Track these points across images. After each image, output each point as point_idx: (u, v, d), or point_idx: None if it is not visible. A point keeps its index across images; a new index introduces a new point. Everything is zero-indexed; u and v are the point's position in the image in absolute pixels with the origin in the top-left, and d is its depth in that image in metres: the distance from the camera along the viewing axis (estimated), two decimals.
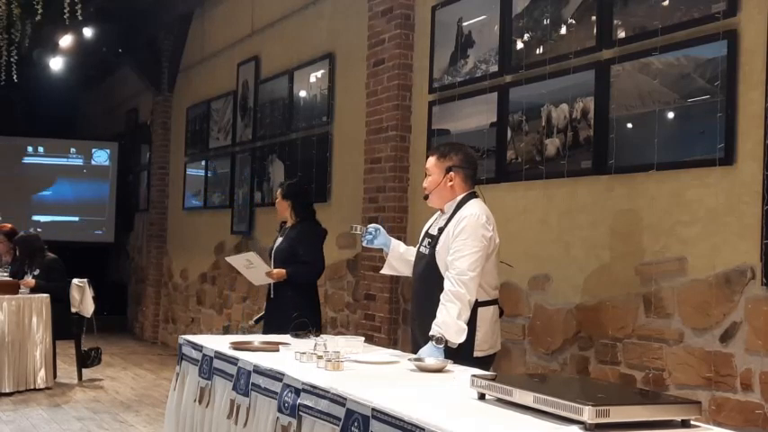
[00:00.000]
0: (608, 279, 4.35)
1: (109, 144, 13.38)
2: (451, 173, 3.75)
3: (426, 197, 3.83)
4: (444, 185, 3.75)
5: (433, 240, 3.75)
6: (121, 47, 11.25)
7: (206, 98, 9.84)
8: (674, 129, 4.03)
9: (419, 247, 3.91)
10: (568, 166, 4.58)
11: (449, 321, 3.52)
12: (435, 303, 3.61)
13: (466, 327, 3.54)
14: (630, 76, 4.25)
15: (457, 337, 3.52)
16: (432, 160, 3.82)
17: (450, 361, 3.33)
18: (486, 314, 3.70)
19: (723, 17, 3.80)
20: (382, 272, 4.21)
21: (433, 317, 3.59)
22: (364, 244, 4.08)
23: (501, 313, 3.88)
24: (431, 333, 3.54)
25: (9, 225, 8.96)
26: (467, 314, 3.56)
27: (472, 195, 3.79)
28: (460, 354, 3.53)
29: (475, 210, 3.68)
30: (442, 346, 3.49)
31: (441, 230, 3.74)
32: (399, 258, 4.04)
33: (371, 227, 4.02)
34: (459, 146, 3.99)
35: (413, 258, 3.98)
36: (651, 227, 4.13)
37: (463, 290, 3.53)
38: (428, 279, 3.74)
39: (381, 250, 6.05)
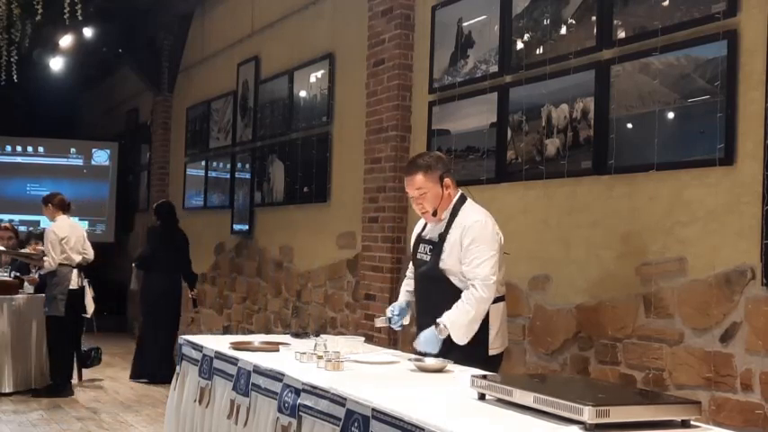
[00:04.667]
0: (608, 279, 4.35)
1: (109, 144, 13.37)
2: (446, 179, 3.74)
3: (435, 214, 3.74)
4: (445, 195, 3.74)
5: (436, 247, 3.73)
6: (121, 47, 11.25)
7: (206, 98, 9.84)
8: (674, 129, 4.03)
9: (416, 253, 3.87)
10: (568, 166, 4.58)
11: (461, 322, 3.56)
12: (438, 307, 3.63)
13: (474, 332, 3.58)
14: (630, 76, 4.25)
15: (462, 339, 3.57)
16: (419, 178, 3.73)
17: (449, 361, 3.33)
18: (498, 311, 3.72)
19: (723, 17, 3.80)
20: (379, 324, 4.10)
21: (436, 319, 3.61)
22: (396, 327, 3.96)
23: None
24: (439, 321, 3.57)
25: (9, 224, 8.96)
26: (481, 319, 3.60)
27: (463, 198, 3.80)
28: (476, 354, 3.55)
29: (478, 216, 3.70)
30: (442, 338, 3.54)
31: (441, 237, 3.72)
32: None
33: (395, 312, 3.88)
34: (433, 153, 3.95)
35: None
36: (651, 227, 4.13)
37: (487, 294, 3.57)
38: (430, 285, 3.73)
39: (379, 249, 6.08)
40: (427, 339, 3.59)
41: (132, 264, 8.76)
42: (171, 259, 8.35)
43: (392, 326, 3.91)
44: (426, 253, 3.79)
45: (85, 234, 7.70)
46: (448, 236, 3.68)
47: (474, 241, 3.60)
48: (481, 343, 3.64)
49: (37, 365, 7.49)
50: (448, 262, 3.67)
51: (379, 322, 3.92)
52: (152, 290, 8.33)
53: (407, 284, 4.04)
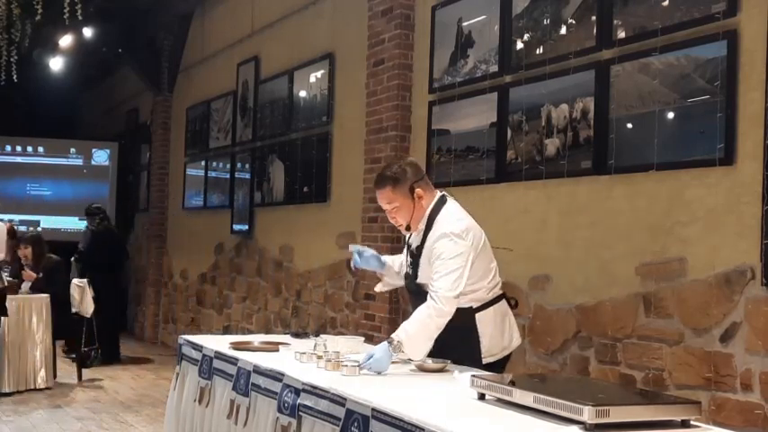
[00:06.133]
0: (608, 279, 4.35)
1: (109, 144, 13.37)
2: (417, 189, 3.50)
3: (408, 228, 3.56)
4: (417, 206, 3.52)
5: (414, 260, 3.59)
6: (121, 47, 11.24)
7: (206, 98, 9.83)
8: (674, 129, 4.03)
9: (405, 261, 3.73)
10: (568, 166, 4.58)
11: (419, 338, 3.33)
12: None
13: (430, 347, 3.37)
14: (630, 76, 4.25)
15: (416, 355, 3.35)
16: (388, 192, 3.51)
17: (449, 361, 3.32)
18: (486, 317, 3.52)
19: (723, 17, 3.80)
20: (378, 290, 4.00)
21: None
22: (357, 265, 3.83)
23: (516, 304, 3.73)
24: (393, 336, 3.32)
25: (8, 224, 8.94)
26: (437, 332, 3.37)
27: (441, 201, 3.56)
28: (469, 364, 3.41)
29: (447, 227, 3.43)
30: (395, 355, 3.29)
31: (418, 250, 3.55)
32: (396, 276, 3.86)
33: (360, 249, 3.76)
34: (402, 161, 3.70)
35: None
36: (651, 227, 4.13)
37: (447, 308, 3.34)
38: (415, 297, 3.61)
39: (379, 249, 6.07)
40: (379, 359, 3.22)
41: (71, 259, 9.52)
42: (108, 256, 9.42)
43: (354, 260, 3.75)
44: (410, 265, 3.66)
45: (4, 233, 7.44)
46: (423, 250, 3.52)
47: (439, 257, 3.39)
48: (473, 354, 3.48)
49: (38, 365, 7.49)
50: (423, 277, 3.52)
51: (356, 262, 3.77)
52: (94, 285, 8.84)
53: (396, 257, 3.89)
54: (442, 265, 3.38)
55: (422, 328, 3.34)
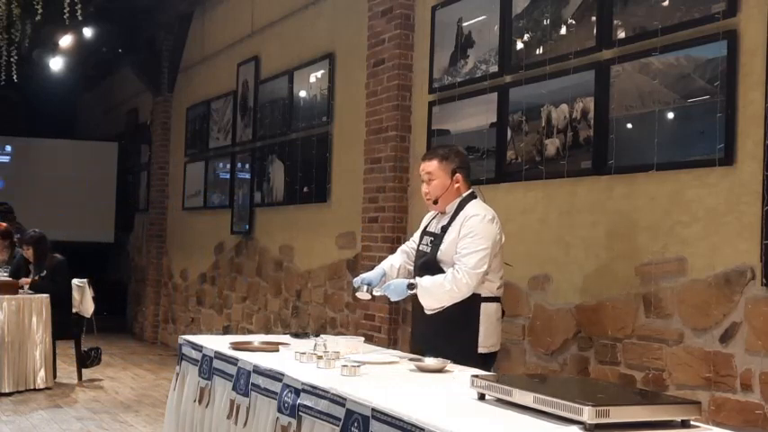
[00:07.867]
0: (608, 279, 4.35)
1: (109, 144, 13.37)
2: (458, 174, 3.82)
3: (436, 201, 3.85)
4: (452, 188, 3.82)
5: (436, 239, 3.80)
6: (121, 47, 11.25)
7: (206, 98, 9.84)
8: (673, 129, 4.03)
9: (419, 245, 3.95)
10: (568, 167, 4.58)
11: (433, 291, 3.64)
12: None
13: (441, 308, 3.66)
14: (630, 76, 4.25)
15: (429, 305, 3.67)
16: (434, 164, 3.85)
17: (449, 361, 3.33)
18: (489, 310, 3.75)
19: (723, 17, 3.80)
20: (376, 293, 3.96)
21: (429, 312, 3.70)
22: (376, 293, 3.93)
23: (503, 313, 3.91)
24: (414, 281, 3.68)
25: (4, 224, 8.94)
26: (452, 301, 3.64)
27: (472, 195, 3.87)
28: (465, 350, 3.59)
29: (479, 210, 3.75)
30: (407, 294, 3.70)
31: (444, 229, 3.79)
32: (395, 276, 4.02)
33: (365, 282, 3.86)
34: (455, 147, 4.08)
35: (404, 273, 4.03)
36: (651, 227, 4.13)
37: (467, 281, 3.60)
38: (425, 274, 3.77)
39: (379, 249, 6.08)
40: (395, 288, 3.71)
41: None
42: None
43: (374, 293, 3.84)
44: (428, 245, 3.87)
45: None
46: (450, 228, 3.76)
47: (469, 234, 3.67)
48: (470, 339, 3.69)
49: (38, 365, 7.49)
50: (445, 252, 3.74)
51: (361, 295, 3.85)
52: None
53: (393, 258, 4.10)
54: (471, 243, 3.65)
55: (436, 288, 3.63)
